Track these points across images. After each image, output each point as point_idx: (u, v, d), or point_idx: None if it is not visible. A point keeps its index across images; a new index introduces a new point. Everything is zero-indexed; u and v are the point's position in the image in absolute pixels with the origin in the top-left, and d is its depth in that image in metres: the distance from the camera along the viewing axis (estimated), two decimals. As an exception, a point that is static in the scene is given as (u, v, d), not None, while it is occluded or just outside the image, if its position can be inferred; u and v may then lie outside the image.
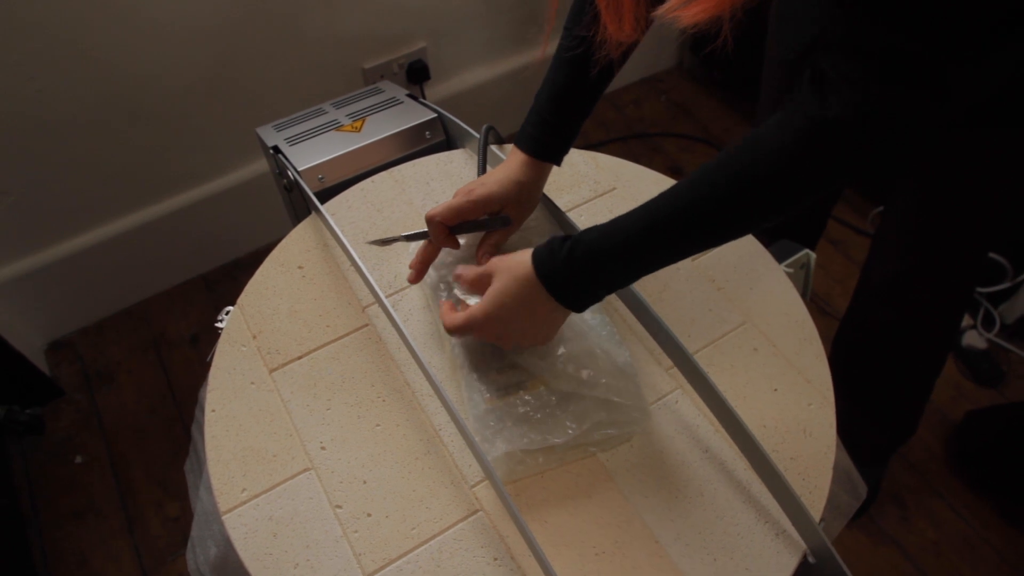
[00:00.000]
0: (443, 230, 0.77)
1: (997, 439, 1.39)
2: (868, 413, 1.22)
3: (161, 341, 1.64)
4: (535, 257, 0.65)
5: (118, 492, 1.42)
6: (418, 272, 0.79)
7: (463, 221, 0.78)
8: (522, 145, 0.79)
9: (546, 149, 0.79)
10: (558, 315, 0.67)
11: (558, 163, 0.81)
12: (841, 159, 0.55)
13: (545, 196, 0.86)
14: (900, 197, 0.97)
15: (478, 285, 0.70)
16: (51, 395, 1.55)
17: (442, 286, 0.80)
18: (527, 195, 0.80)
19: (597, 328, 0.75)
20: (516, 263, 0.66)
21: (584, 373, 0.70)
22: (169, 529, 1.37)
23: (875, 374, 1.19)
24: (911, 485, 1.40)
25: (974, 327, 1.60)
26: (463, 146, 1.02)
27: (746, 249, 0.89)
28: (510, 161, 0.79)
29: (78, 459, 1.47)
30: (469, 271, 0.71)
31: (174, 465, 1.45)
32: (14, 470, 1.45)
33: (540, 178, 0.80)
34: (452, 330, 0.70)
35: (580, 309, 0.66)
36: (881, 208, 1.79)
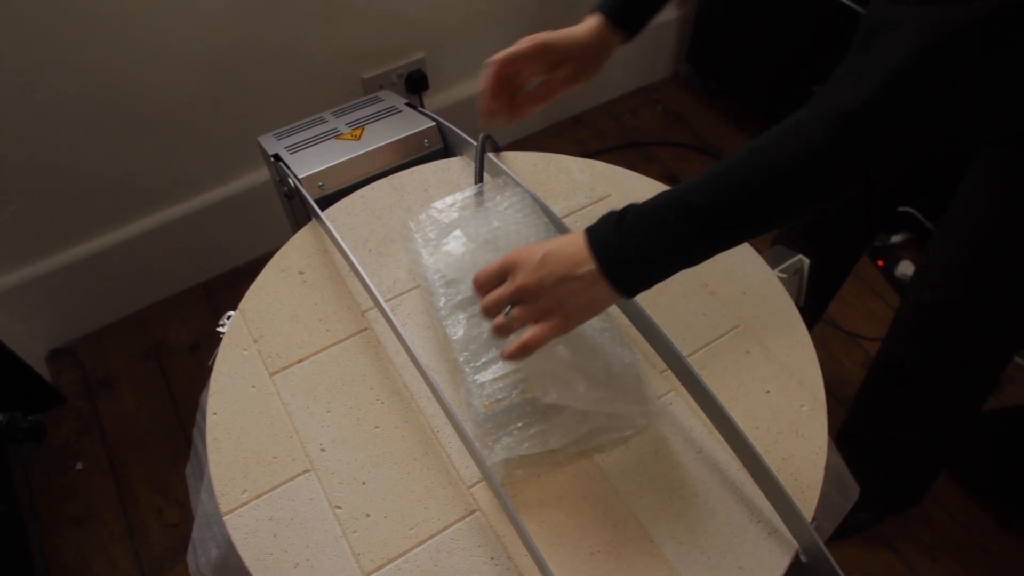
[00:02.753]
0: (498, 78, 0.80)
1: (992, 443, 1.40)
2: (878, 469, 1.17)
3: (161, 348, 1.65)
4: (588, 229, 0.61)
5: (118, 498, 1.43)
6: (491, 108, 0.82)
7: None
8: (601, 6, 0.80)
9: (623, 14, 0.80)
10: (600, 290, 0.60)
11: (631, 35, 0.82)
12: (873, 148, 0.53)
13: (543, 204, 0.87)
14: (957, 213, 0.91)
15: (503, 274, 0.64)
16: (52, 402, 1.56)
17: (440, 292, 0.81)
18: (590, 59, 0.81)
19: (601, 331, 0.76)
20: (562, 237, 0.63)
21: (582, 386, 0.70)
22: (169, 535, 1.38)
23: (904, 419, 1.12)
24: (906, 490, 1.41)
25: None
26: (461, 154, 1.04)
27: (739, 254, 0.90)
28: (583, 24, 0.81)
29: (79, 466, 1.47)
30: (490, 268, 0.65)
31: (174, 472, 1.46)
32: (15, 477, 1.45)
33: (606, 47, 0.81)
34: (496, 268, 0.64)
35: (627, 286, 0.60)
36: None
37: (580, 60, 0.81)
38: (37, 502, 1.43)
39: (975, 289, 0.92)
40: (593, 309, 0.63)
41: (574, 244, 0.61)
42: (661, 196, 0.59)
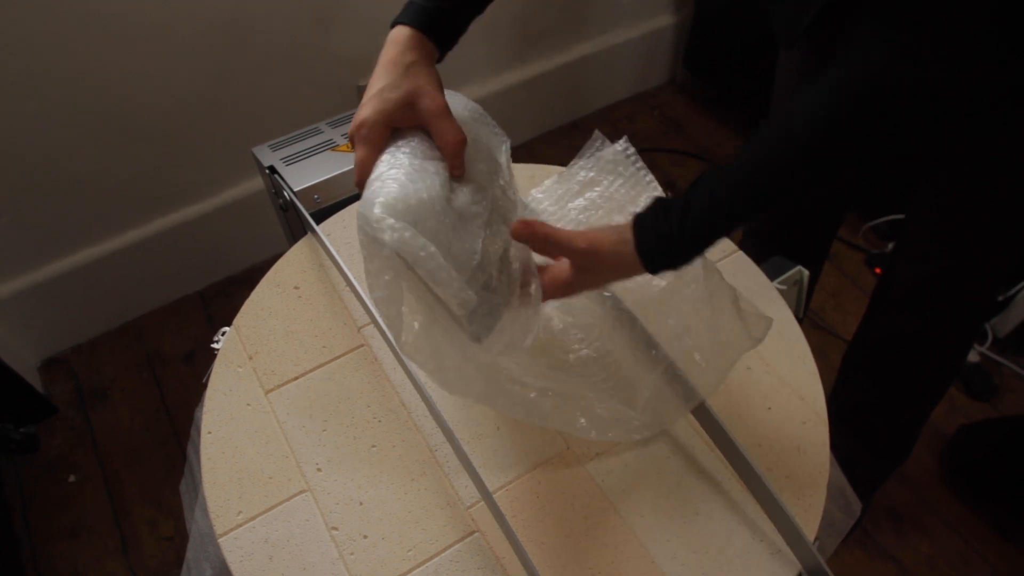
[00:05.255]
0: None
1: (991, 453, 1.40)
2: (865, 437, 1.20)
3: (156, 358, 1.64)
4: (644, 248, 0.61)
5: (112, 510, 1.42)
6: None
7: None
8: (409, 19, 0.67)
9: (436, 26, 0.67)
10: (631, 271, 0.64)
11: (443, 52, 0.69)
12: (898, 121, 0.54)
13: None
14: (923, 199, 0.94)
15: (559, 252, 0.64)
16: (45, 413, 1.55)
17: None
18: (427, 74, 0.66)
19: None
20: (619, 250, 0.61)
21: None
22: (163, 548, 1.36)
23: (884, 392, 1.16)
24: (906, 499, 1.41)
25: (966, 341, 1.61)
26: (458, 165, 1.03)
27: (739, 268, 0.89)
28: (385, 56, 0.66)
29: (72, 477, 1.46)
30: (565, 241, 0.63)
31: (168, 483, 1.44)
32: (7, 488, 1.44)
33: (426, 58, 0.67)
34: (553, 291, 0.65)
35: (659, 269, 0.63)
36: (872, 223, 1.81)
37: (422, 87, 0.65)
38: (30, 514, 1.42)
39: (961, 257, 0.94)
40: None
41: (625, 255, 0.62)
42: (703, 194, 0.59)
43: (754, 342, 0.67)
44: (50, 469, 1.48)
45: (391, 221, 0.54)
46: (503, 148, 0.69)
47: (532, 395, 0.66)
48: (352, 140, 0.64)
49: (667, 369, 0.70)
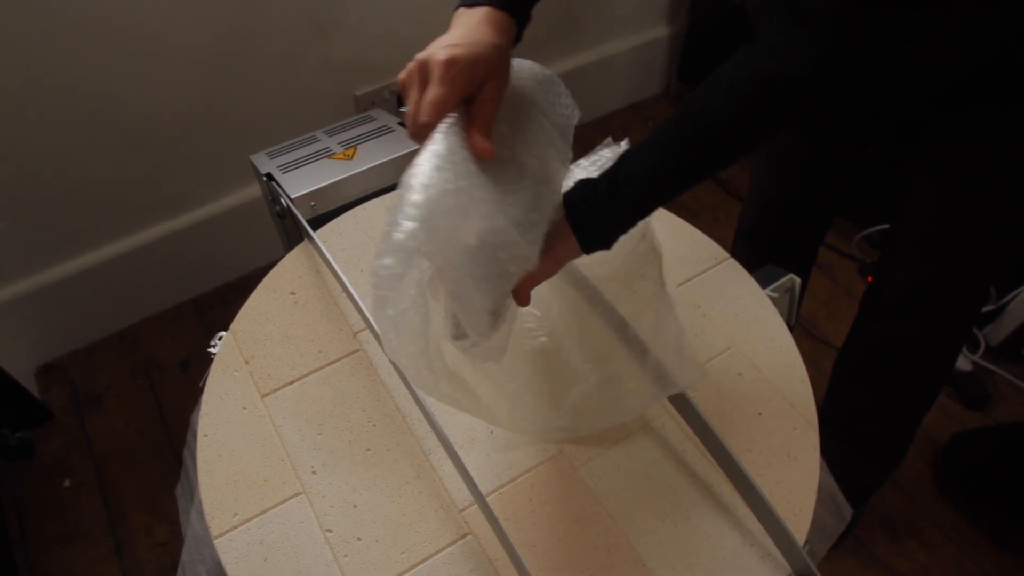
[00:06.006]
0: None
1: (985, 460, 1.40)
2: (857, 444, 1.21)
3: (151, 365, 1.64)
4: (577, 223, 0.62)
5: (107, 516, 1.42)
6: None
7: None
8: (505, 4, 0.63)
9: (518, 6, 0.64)
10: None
11: (523, 28, 0.67)
12: (793, 117, 0.58)
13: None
14: (916, 204, 0.95)
15: None
16: (41, 419, 1.55)
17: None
18: (507, 64, 0.62)
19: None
20: (560, 244, 0.62)
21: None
22: (158, 554, 1.37)
23: (875, 398, 1.16)
24: (900, 507, 1.41)
25: (959, 349, 1.62)
26: (454, 173, 1.04)
27: (731, 275, 0.90)
28: (470, 22, 0.61)
29: (67, 483, 1.46)
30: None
31: (163, 489, 1.45)
32: (3, 494, 1.44)
33: (509, 44, 0.63)
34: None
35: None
36: (865, 232, 1.82)
37: (502, 70, 0.61)
38: (25, 520, 1.42)
39: (953, 260, 0.95)
40: None
41: (568, 233, 0.63)
42: (630, 165, 0.63)
43: (680, 387, 0.68)
44: (46, 474, 1.48)
45: (421, 240, 0.50)
46: (569, 127, 0.71)
47: (466, 375, 0.63)
48: (418, 73, 0.57)
49: (606, 380, 0.70)
